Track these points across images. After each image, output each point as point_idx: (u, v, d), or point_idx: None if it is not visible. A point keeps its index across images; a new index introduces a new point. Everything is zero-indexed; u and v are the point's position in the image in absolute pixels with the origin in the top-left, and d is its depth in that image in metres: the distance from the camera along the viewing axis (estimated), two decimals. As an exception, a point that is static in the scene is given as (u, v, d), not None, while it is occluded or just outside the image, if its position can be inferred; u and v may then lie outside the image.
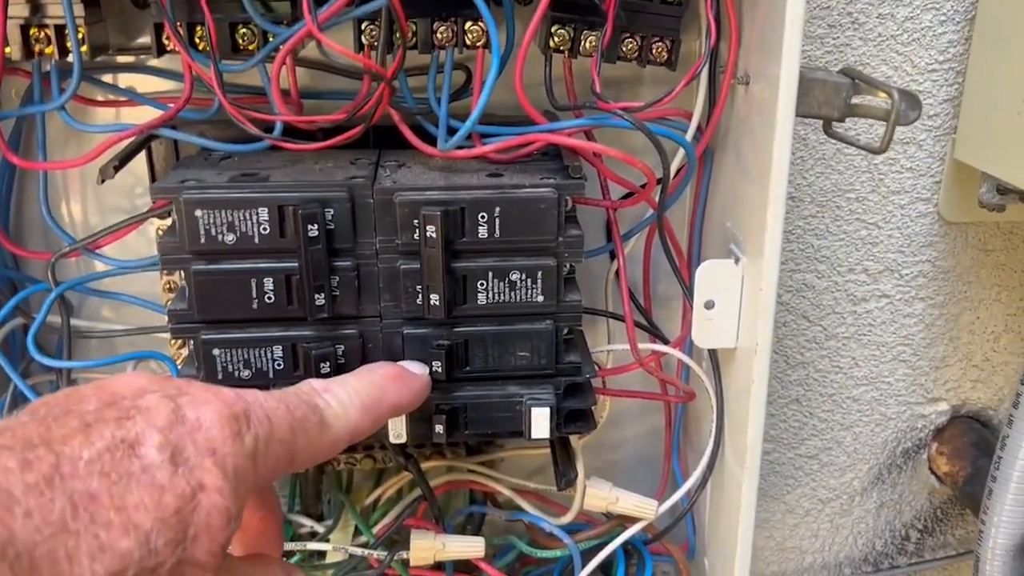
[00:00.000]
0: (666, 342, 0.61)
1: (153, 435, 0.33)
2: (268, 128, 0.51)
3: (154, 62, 0.56)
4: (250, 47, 0.50)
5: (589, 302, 0.63)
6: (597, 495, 0.59)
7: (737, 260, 0.52)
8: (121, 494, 0.31)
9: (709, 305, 0.53)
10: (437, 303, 0.49)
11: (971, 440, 0.74)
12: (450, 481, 0.64)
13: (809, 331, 0.72)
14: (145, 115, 0.53)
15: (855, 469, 0.77)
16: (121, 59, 0.57)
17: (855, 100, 0.47)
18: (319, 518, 0.66)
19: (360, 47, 0.51)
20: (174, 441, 0.33)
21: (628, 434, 0.72)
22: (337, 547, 0.61)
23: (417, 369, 0.49)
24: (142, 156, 0.56)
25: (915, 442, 0.77)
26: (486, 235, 0.49)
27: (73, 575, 0.29)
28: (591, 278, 0.63)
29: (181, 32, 0.49)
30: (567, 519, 0.60)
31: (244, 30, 0.50)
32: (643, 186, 0.52)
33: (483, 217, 0.48)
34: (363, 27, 0.50)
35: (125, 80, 0.57)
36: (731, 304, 0.52)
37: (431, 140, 0.51)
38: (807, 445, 0.76)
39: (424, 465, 0.63)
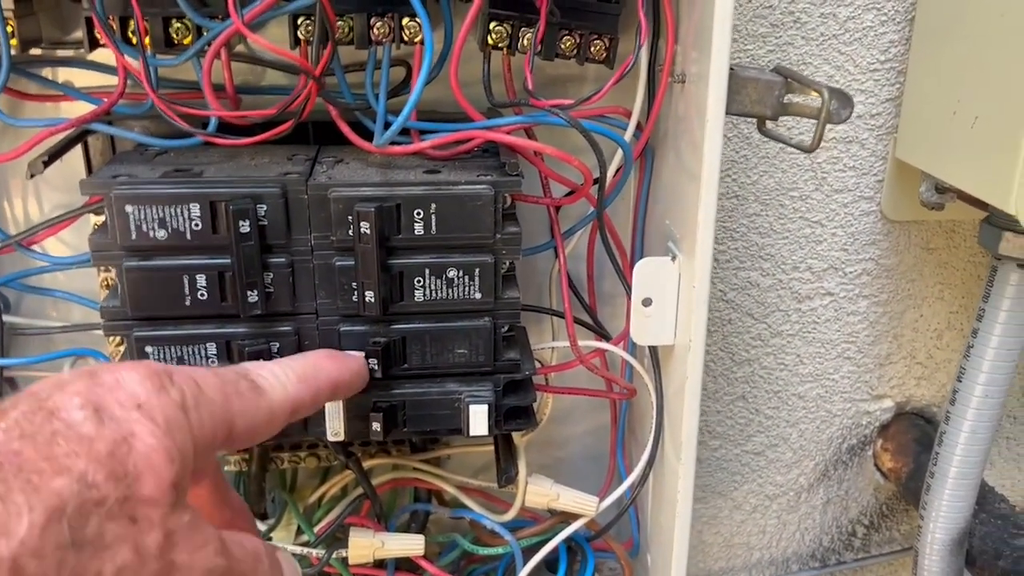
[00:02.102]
0: (609, 339, 0.61)
1: (72, 399, 0.31)
2: (204, 124, 0.50)
3: (94, 56, 0.55)
4: (184, 41, 0.50)
5: (536, 299, 0.63)
6: (538, 492, 0.59)
7: (674, 257, 0.52)
8: (47, 447, 0.29)
9: (647, 302, 0.53)
10: (372, 300, 0.48)
11: (914, 436, 0.74)
12: (395, 479, 0.64)
13: (754, 328, 0.72)
14: (82, 110, 0.52)
15: (801, 465, 0.78)
16: (61, 53, 0.56)
17: (788, 99, 0.48)
18: (263, 517, 0.66)
19: (296, 42, 0.50)
20: (95, 400, 0.32)
21: (576, 431, 0.72)
22: (277, 545, 0.61)
23: (353, 353, 0.49)
24: (79, 151, 0.56)
25: (860, 439, 0.78)
26: (422, 232, 0.49)
27: (10, 515, 0.28)
28: (538, 275, 0.63)
29: (113, 26, 0.48)
30: (509, 516, 0.60)
31: (178, 24, 0.49)
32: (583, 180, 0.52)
33: (419, 214, 0.48)
34: (299, 22, 0.50)
35: (64, 74, 0.57)
36: (669, 301, 0.53)
37: (371, 136, 0.51)
38: (753, 442, 0.76)
39: (369, 463, 0.63)
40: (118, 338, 0.58)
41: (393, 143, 0.50)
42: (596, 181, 0.52)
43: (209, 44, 0.47)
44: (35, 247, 0.54)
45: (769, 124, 0.50)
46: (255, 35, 0.44)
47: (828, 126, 0.63)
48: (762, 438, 0.76)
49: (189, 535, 0.33)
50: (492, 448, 0.61)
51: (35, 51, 0.53)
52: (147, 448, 0.32)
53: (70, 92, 0.53)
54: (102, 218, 0.52)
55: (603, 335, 0.61)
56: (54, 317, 0.62)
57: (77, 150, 0.55)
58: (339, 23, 0.50)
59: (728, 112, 0.46)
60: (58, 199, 0.61)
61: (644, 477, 0.58)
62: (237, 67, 0.54)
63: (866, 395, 0.76)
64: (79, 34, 0.54)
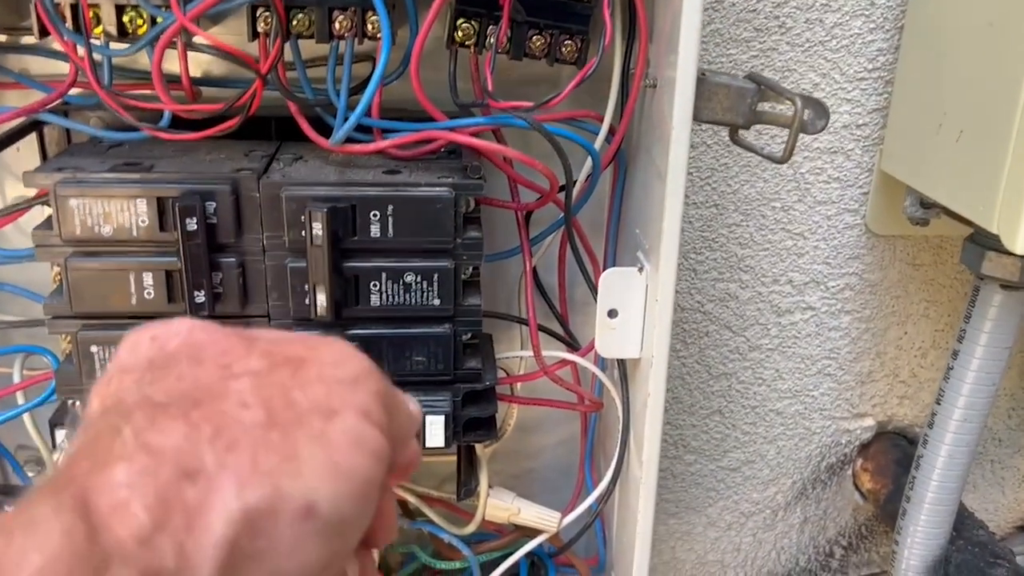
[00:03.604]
0: (579, 349, 0.59)
1: None
2: (157, 116, 0.49)
3: (54, 44, 0.54)
4: (139, 31, 0.48)
5: (506, 305, 0.61)
6: (499, 506, 0.57)
7: (641, 268, 0.50)
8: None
9: (612, 314, 0.51)
10: (324, 304, 0.47)
11: (895, 457, 0.73)
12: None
13: (732, 342, 0.70)
14: (36, 98, 0.51)
15: (778, 483, 0.76)
16: (25, 40, 0.54)
17: (761, 107, 0.46)
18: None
19: (255, 35, 0.48)
20: None
21: (547, 441, 0.70)
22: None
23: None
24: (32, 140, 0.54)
25: (840, 457, 0.76)
26: (379, 234, 0.47)
27: None
28: (509, 280, 0.61)
29: (65, 15, 0.47)
30: (469, 530, 0.58)
31: (132, 13, 0.48)
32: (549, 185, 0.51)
33: (375, 215, 0.46)
34: (258, 13, 0.48)
35: (24, 62, 0.55)
36: (635, 313, 0.51)
37: (331, 133, 0.49)
38: (729, 457, 0.74)
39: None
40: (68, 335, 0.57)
41: (354, 141, 0.49)
42: (563, 188, 0.50)
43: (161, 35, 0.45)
44: (-16, 239, 0.52)
45: (741, 132, 0.48)
46: (202, 30, 0.42)
47: (813, 136, 0.62)
48: (739, 454, 0.74)
49: None
50: (455, 456, 0.60)
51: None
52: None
53: (22, 80, 0.51)
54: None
55: (572, 345, 0.59)
56: (12, 311, 0.61)
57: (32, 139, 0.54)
58: (300, 16, 0.48)
59: (697, 119, 0.45)
60: (19, 188, 0.59)
61: (609, 492, 0.57)
62: (202, 57, 0.52)
63: (846, 413, 0.74)
64: (34, 20, 0.53)
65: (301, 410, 0.26)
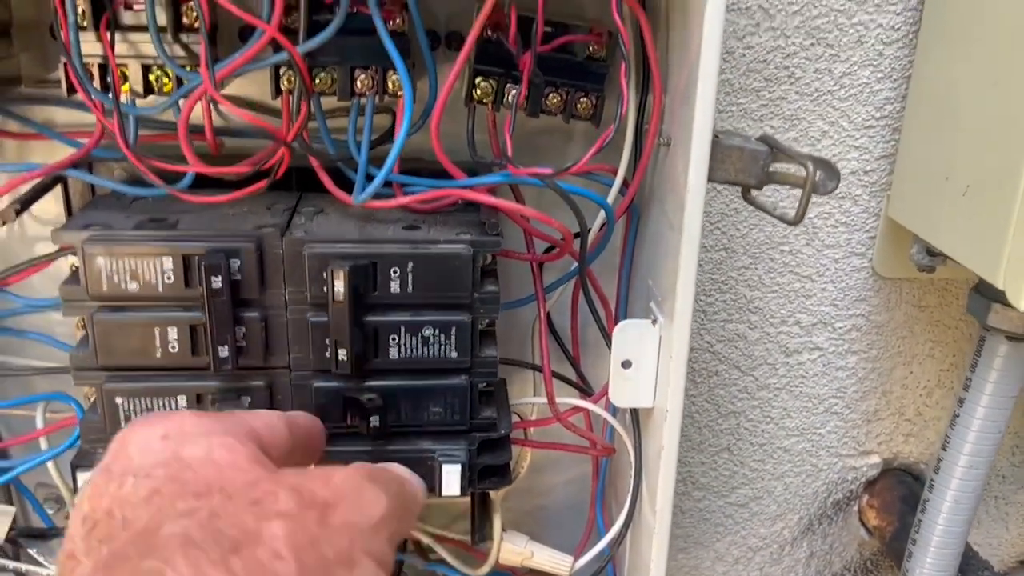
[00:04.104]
0: (592, 394, 0.60)
1: None
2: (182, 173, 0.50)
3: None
4: (165, 88, 0.49)
5: (519, 350, 0.62)
6: (512, 550, 0.58)
7: (655, 320, 0.51)
8: None
9: (626, 365, 0.52)
10: (345, 358, 0.48)
11: (900, 494, 0.73)
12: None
13: (741, 381, 0.71)
14: (62, 150, 0.52)
15: (785, 519, 0.77)
16: (43, 92, 0.55)
17: (773, 167, 0.47)
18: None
19: (278, 92, 0.50)
20: None
21: (558, 480, 0.71)
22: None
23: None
24: (59, 190, 0.55)
25: (846, 493, 0.77)
26: (398, 290, 0.48)
27: None
28: (522, 325, 0.62)
29: (92, 71, 0.48)
30: (482, 572, 0.59)
31: (158, 72, 0.49)
32: (562, 238, 0.52)
33: (395, 272, 0.47)
34: (281, 72, 0.49)
35: (48, 112, 0.56)
36: (649, 363, 0.52)
37: (352, 185, 0.50)
38: (737, 494, 0.75)
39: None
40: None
41: (374, 196, 0.50)
42: (577, 235, 0.51)
43: (187, 95, 0.46)
44: (9, 288, 0.53)
45: (754, 192, 0.49)
46: (227, 101, 0.43)
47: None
48: (746, 490, 0.75)
49: None
50: (469, 497, 0.60)
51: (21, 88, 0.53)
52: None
53: (48, 133, 0.52)
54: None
55: (587, 391, 0.60)
56: (36, 356, 0.62)
57: (57, 188, 0.55)
58: (322, 74, 0.49)
59: (711, 179, 0.45)
60: (40, 232, 0.60)
61: (621, 537, 0.57)
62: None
63: (853, 450, 0.75)
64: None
65: (328, 562, 0.28)
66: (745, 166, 0.46)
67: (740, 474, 0.75)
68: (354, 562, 0.29)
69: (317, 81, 0.49)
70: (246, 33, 0.50)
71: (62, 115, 0.55)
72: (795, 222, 0.46)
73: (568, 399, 0.57)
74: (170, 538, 0.27)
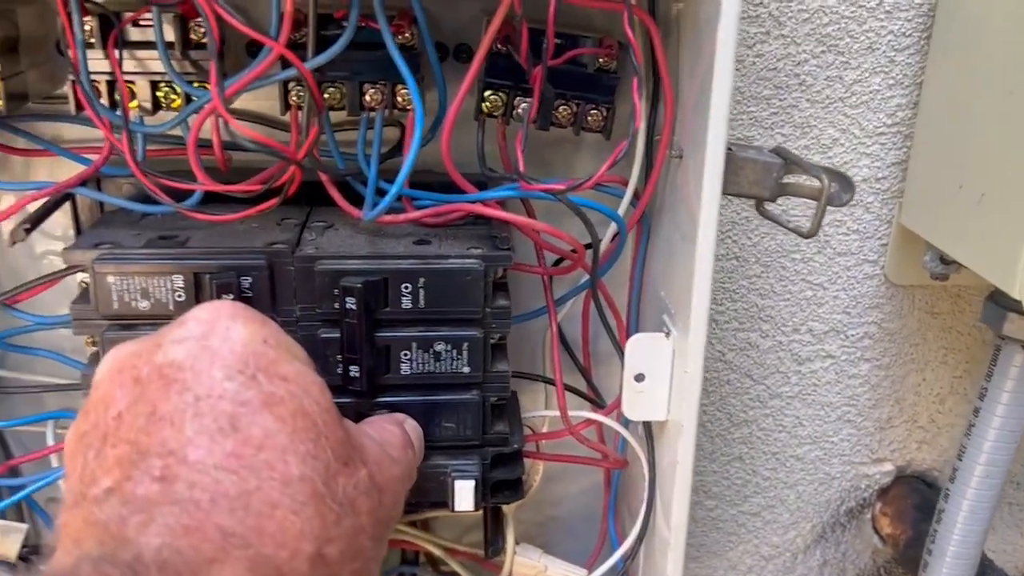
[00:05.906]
0: (604, 406, 0.60)
1: None
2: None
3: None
4: (173, 105, 0.49)
5: (530, 362, 0.62)
6: (525, 564, 0.58)
7: (668, 333, 0.51)
8: None
9: (639, 378, 0.51)
10: (357, 375, 0.47)
11: (914, 502, 0.73)
12: (382, 539, 0.63)
13: (753, 390, 0.71)
14: (69, 164, 0.52)
15: (798, 527, 0.76)
16: (57, 107, 0.55)
17: (787, 180, 0.46)
18: None
19: (287, 107, 0.49)
20: None
21: (570, 490, 0.71)
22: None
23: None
24: (68, 206, 0.55)
25: (859, 501, 0.76)
26: (410, 305, 0.47)
27: None
28: (533, 338, 0.62)
29: (100, 88, 0.47)
30: (495, 586, 0.59)
31: (166, 89, 0.48)
32: (573, 251, 0.51)
33: (407, 288, 0.47)
34: (289, 87, 0.49)
35: (55, 128, 0.56)
36: (662, 376, 0.51)
37: (362, 199, 0.50)
38: (750, 503, 0.75)
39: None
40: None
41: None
42: (589, 246, 0.51)
43: (196, 112, 0.46)
44: (19, 306, 0.53)
45: (767, 204, 0.48)
46: (236, 121, 0.43)
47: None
48: (759, 499, 0.75)
49: None
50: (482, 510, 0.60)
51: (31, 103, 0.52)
52: None
53: (56, 150, 0.52)
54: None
55: (599, 403, 0.60)
56: (46, 373, 0.61)
57: (66, 205, 0.54)
58: (331, 89, 0.49)
59: (725, 192, 0.45)
60: (49, 247, 0.60)
61: (635, 551, 0.57)
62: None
63: (866, 458, 0.75)
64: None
65: None
66: (758, 178, 0.46)
67: (753, 483, 0.74)
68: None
69: (326, 96, 0.49)
70: (253, 47, 0.50)
71: (70, 131, 0.55)
72: (810, 235, 0.45)
73: (580, 411, 0.57)
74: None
